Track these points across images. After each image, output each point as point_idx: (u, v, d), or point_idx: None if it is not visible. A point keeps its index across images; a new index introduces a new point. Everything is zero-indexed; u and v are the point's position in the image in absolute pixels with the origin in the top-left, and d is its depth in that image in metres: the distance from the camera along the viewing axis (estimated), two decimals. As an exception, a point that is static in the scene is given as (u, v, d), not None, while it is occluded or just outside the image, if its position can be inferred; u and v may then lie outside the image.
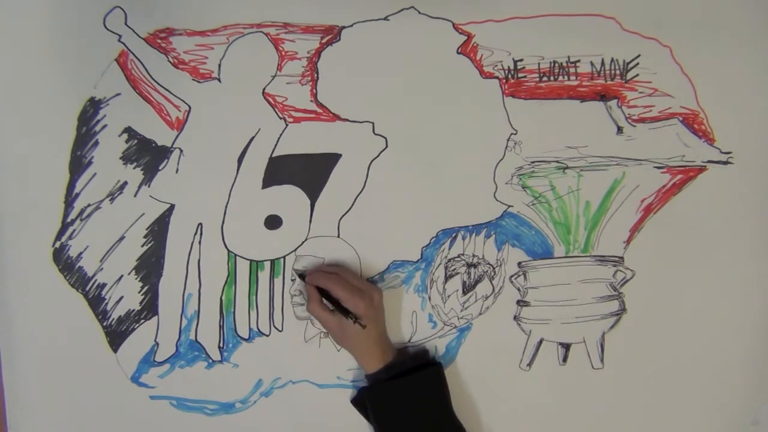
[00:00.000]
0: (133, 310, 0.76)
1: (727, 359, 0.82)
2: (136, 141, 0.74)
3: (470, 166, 0.77)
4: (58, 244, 0.74)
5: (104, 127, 0.73)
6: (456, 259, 0.78)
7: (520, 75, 0.76)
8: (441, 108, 0.76)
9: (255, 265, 0.76)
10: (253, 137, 0.75)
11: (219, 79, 0.74)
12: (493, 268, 0.79)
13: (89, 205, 0.74)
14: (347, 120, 0.75)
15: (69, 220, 0.74)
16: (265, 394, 0.78)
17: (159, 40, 0.72)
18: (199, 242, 0.75)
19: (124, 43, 0.72)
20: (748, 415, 0.83)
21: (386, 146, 0.76)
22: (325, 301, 0.71)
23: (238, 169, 0.75)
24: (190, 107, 0.74)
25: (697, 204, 0.79)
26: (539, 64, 0.76)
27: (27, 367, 0.76)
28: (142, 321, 0.76)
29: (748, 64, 0.77)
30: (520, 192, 0.78)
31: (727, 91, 0.78)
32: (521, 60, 0.76)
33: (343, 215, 0.76)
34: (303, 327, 0.78)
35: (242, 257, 0.76)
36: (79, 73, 0.72)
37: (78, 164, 0.73)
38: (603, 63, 0.77)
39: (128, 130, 0.73)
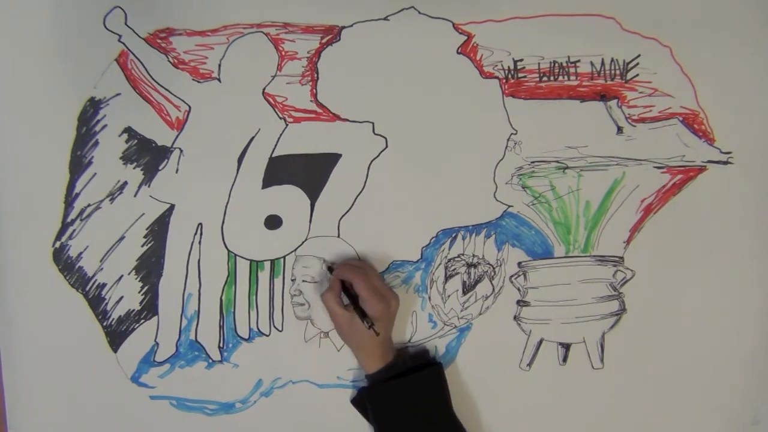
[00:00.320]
0: (133, 310, 0.76)
1: (727, 359, 0.82)
2: (136, 141, 0.74)
3: (470, 166, 0.77)
4: (58, 244, 0.74)
5: (104, 127, 0.73)
6: (456, 259, 0.78)
7: (520, 75, 0.76)
8: (441, 108, 0.76)
9: (255, 265, 0.76)
10: (253, 137, 0.75)
11: (219, 79, 0.74)
12: (493, 268, 0.79)
13: (89, 205, 0.74)
14: (347, 120, 0.75)
15: (69, 220, 0.74)
16: (265, 394, 0.78)
17: (159, 40, 0.72)
18: (199, 242, 0.75)
19: (124, 43, 0.72)
20: (748, 415, 0.83)
21: (386, 146, 0.76)
22: (343, 295, 0.71)
23: (238, 169, 0.75)
24: (190, 107, 0.74)
25: (697, 204, 0.79)
26: (539, 64, 0.76)
27: (27, 367, 0.76)
28: (142, 321, 0.76)
29: (748, 64, 0.77)
30: (520, 192, 0.78)
31: (727, 91, 0.78)
32: (521, 60, 0.76)
33: (343, 215, 0.76)
34: (303, 327, 0.78)
35: (242, 257, 0.76)
36: (79, 73, 0.72)
37: (78, 164, 0.73)
38: (603, 63, 0.77)
39: (128, 130, 0.73)
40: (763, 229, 0.80)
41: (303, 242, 0.77)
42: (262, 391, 0.78)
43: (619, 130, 0.78)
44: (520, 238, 0.79)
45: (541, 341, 0.80)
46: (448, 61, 0.75)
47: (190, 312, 0.76)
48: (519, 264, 0.79)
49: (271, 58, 0.74)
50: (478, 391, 0.81)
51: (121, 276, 0.75)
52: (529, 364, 0.81)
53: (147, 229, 0.75)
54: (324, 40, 0.74)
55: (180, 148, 0.74)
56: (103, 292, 0.75)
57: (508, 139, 0.77)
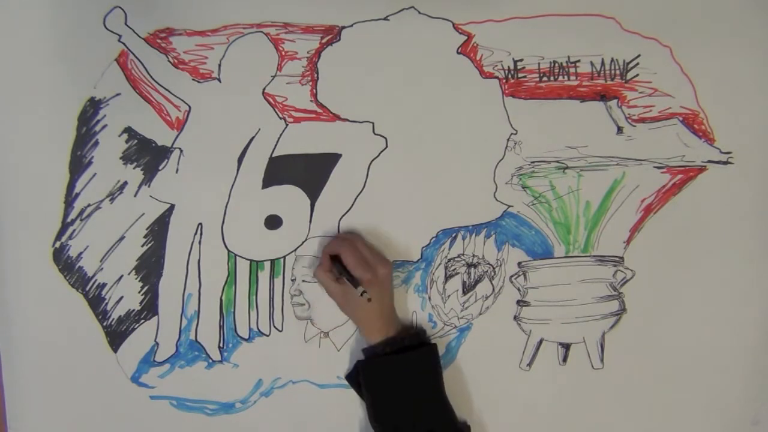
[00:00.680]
0: (133, 310, 0.76)
1: (727, 359, 0.82)
2: (136, 141, 0.74)
3: (470, 166, 0.77)
4: (58, 244, 0.74)
5: (104, 127, 0.73)
6: (456, 259, 0.78)
7: (520, 75, 0.76)
8: (441, 108, 0.76)
9: (255, 265, 0.76)
10: (253, 137, 0.75)
11: (219, 79, 0.74)
12: (493, 268, 0.79)
13: (89, 205, 0.74)
14: (347, 120, 0.75)
15: (69, 220, 0.74)
16: (265, 394, 0.78)
17: (159, 40, 0.72)
18: (199, 242, 0.75)
19: (124, 43, 0.72)
20: (748, 415, 0.83)
21: (386, 146, 0.76)
22: (336, 268, 0.72)
23: (238, 169, 0.75)
24: (190, 107, 0.74)
25: (697, 204, 0.79)
26: (539, 64, 0.76)
27: (27, 367, 0.76)
28: (142, 321, 0.76)
29: (748, 64, 0.77)
30: (520, 192, 0.78)
31: (727, 91, 0.78)
32: (521, 60, 0.76)
33: (343, 215, 0.76)
34: (303, 327, 0.78)
35: (242, 257, 0.76)
36: (79, 73, 0.72)
37: (78, 164, 0.73)
38: (603, 63, 0.77)
39: (128, 130, 0.73)
40: (763, 229, 0.80)
41: (303, 242, 0.77)
42: (262, 391, 0.78)
43: (619, 130, 0.78)
44: (520, 238, 0.79)
45: (541, 341, 0.80)
46: (448, 61, 0.75)
47: (190, 312, 0.76)
48: (519, 264, 0.79)
49: (271, 58, 0.74)
50: (478, 391, 0.81)
51: (121, 276, 0.75)
52: (529, 364, 0.81)
53: (147, 229, 0.75)
54: (324, 40, 0.74)
55: (180, 148, 0.74)
56: (103, 292, 0.75)
57: (508, 139, 0.77)
